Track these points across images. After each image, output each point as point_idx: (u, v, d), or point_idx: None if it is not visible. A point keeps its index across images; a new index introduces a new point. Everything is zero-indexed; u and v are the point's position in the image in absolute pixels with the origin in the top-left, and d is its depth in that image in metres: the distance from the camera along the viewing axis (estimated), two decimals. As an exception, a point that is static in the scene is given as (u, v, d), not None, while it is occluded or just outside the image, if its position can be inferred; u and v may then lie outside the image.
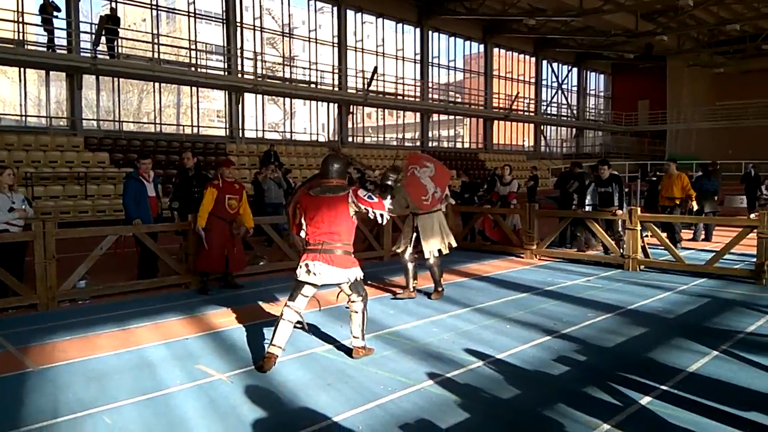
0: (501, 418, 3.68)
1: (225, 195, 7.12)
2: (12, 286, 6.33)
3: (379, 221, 4.70)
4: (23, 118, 17.79)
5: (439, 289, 7.05)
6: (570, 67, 37.33)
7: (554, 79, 36.18)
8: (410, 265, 6.96)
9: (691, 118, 33.84)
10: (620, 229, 9.35)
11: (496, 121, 31.65)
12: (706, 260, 8.66)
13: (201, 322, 5.91)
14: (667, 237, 9.75)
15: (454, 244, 7.13)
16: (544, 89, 35.35)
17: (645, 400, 3.90)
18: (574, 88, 38.35)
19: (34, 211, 7.17)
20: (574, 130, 38.41)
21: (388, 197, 4.97)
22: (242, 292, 7.36)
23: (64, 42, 16.91)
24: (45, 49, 16.60)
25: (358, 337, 4.74)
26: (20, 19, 16.31)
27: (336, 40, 24.18)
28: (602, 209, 9.57)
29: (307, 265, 4.51)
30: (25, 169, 14.17)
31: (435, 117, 29.83)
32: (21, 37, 16.42)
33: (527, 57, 34.02)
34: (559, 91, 36.55)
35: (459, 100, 30.77)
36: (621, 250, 9.14)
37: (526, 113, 33.89)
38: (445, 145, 31.22)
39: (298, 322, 4.64)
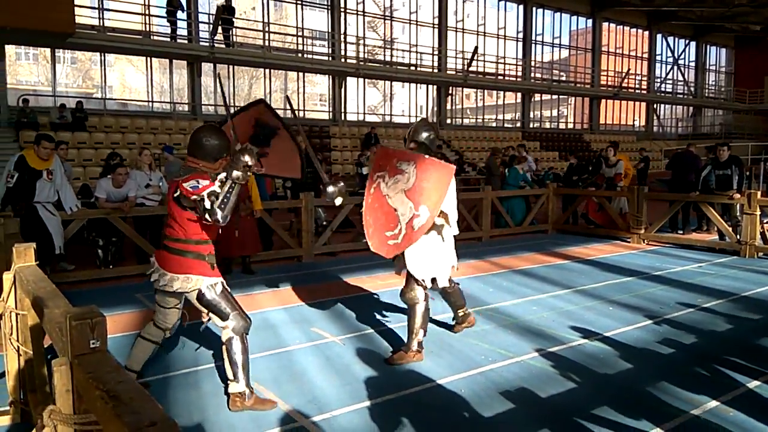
0: (602, 392, 3.78)
1: None
2: (151, 254, 7.13)
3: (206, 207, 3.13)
4: (150, 104, 19.52)
5: (412, 349, 4.21)
6: (687, 41, 34.71)
7: (669, 54, 33.82)
8: (419, 309, 4.27)
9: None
10: (738, 214, 8.84)
11: (603, 100, 30.22)
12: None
13: (314, 291, 6.38)
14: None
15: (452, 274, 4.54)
16: (657, 65, 33.17)
17: (753, 384, 3.83)
18: (692, 64, 35.65)
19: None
20: (691, 108, 35.81)
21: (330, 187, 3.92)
22: (346, 266, 7.78)
23: (185, 32, 18.26)
24: (168, 40, 18.03)
25: (232, 380, 3.44)
26: (147, 12, 17.80)
27: (436, 21, 24.15)
28: (720, 193, 9.08)
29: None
30: (153, 151, 15.56)
31: (537, 97, 29.03)
32: (147, 29, 17.95)
33: (639, 31, 32.05)
34: (675, 67, 34.14)
35: (563, 78, 29.69)
36: (737, 236, 8.65)
37: (637, 91, 32.05)
38: (548, 125, 30.33)
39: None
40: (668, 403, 3.57)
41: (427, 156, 4.08)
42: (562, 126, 30.74)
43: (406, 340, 4.32)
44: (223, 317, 3.41)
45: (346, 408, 3.49)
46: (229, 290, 3.53)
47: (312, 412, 3.43)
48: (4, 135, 14.02)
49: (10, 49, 16.59)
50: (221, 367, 3.93)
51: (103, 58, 18.44)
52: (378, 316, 5.41)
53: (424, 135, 4.27)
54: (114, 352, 4.37)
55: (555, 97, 30.03)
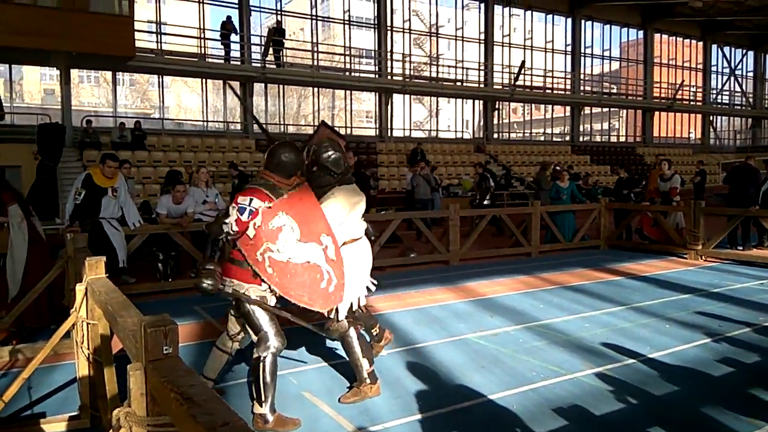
0: (658, 411, 3.69)
1: None
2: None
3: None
4: (204, 123, 20.23)
5: (365, 383, 3.82)
6: (744, 51, 33.49)
7: (726, 64, 32.72)
8: (351, 340, 3.87)
9: None
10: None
11: (657, 113, 29.45)
12: None
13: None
14: None
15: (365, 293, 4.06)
16: (713, 76, 32.14)
17: (824, 407, 3.67)
18: (750, 74, 34.33)
19: (224, 203, 8.26)
20: (749, 120, 34.46)
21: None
22: (394, 281, 7.82)
23: (238, 54, 18.90)
24: (222, 62, 18.70)
25: (256, 400, 3.46)
26: (202, 36, 18.54)
27: (482, 36, 24.17)
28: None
29: None
30: (208, 169, 16.11)
31: (587, 110, 28.54)
32: (202, 52, 18.68)
33: (693, 42, 31.18)
34: (732, 78, 32.99)
35: (614, 90, 29.12)
36: (803, 252, 8.27)
37: (692, 103, 31.10)
38: (598, 139, 29.72)
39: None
40: (726, 425, 3.46)
41: (283, 195, 3.50)
42: (613, 139, 30.07)
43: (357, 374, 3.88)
44: (256, 330, 3.46)
45: (398, 420, 3.54)
46: (278, 308, 3.60)
47: (364, 423, 3.49)
48: (68, 154, 14.79)
49: (73, 73, 17.53)
50: (279, 377, 4.05)
51: (160, 80, 19.26)
52: (426, 331, 5.44)
53: (329, 156, 3.78)
54: (174, 361, 4.55)
55: (606, 110, 29.46)
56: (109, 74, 20.02)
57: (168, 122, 22.20)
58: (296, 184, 3.61)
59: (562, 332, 5.38)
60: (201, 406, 1.51)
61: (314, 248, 3.48)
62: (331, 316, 3.77)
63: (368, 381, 3.81)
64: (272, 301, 3.57)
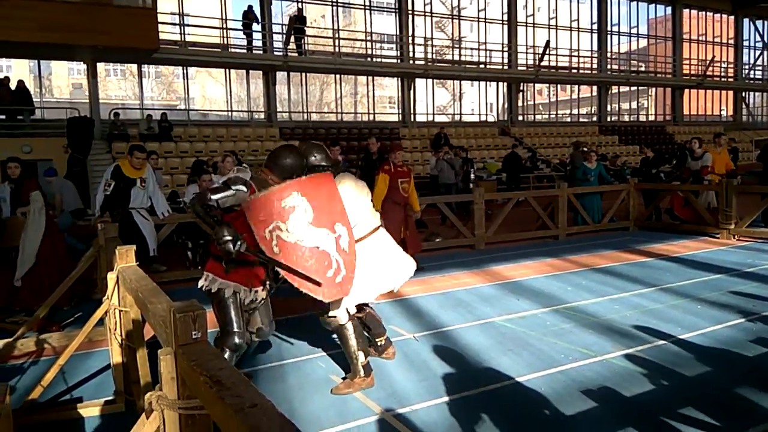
0: (690, 392, 3.63)
1: (398, 179, 7.13)
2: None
3: None
4: (229, 113, 20.40)
5: (358, 375, 3.76)
6: (779, 23, 32.36)
7: (758, 38, 31.65)
8: (347, 331, 3.78)
9: None
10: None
11: (687, 90, 28.69)
12: None
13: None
14: None
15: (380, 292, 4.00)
16: (745, 51, 31.12)
17: None
18: (785, 47, 33.18)
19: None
20: (784, 95, 33.35)
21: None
22: (420, 265, 7.80)
23: (260, 44, 18.96)
24: (245, 51, 18.79)
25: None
26: (225, 26, 18.63)
27: (505, 17, 23.78)
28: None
29: None
30: (233, 158, 16.26)
31: (614, 89, 27.94)
32: (225, 42, 18.78)
33: (724, 16, 30.17)
34: (765, 52, 31.90)
35: (642, 69, 28.44)
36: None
37: (723, 79, 30.20)
38: (627, 118, 29.12)
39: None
40: (761, 405, 3.40)
41: (301, 177, 3.46)
42: (642, 118, 29.43)
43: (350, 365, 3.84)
44: (222, 323, 3.49)
45: (426, 402, 3.55)
46: (245, 303, 3.54)
47: (392, 405, 3.52)
48: (97, 147, 15.08)
49: (100, 67, 17.83)
50: (307, 361, 4.11)
51: (185, 71, 19.45)
52: (453, 314, 5.43)
53: (317, 155, 3.78)
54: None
55: (634, 88, 28.80)
56: (134, 67, 20.30)
57: (194, 113, 22.45)
58: None
59: (590, 314, 5.32)
60: (230, 389, 1.53)
61: (326, 235, 3.32)
62: (332, 307, 3.66)
63: (362, 373, 3.73)
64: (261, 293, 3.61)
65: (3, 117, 15.09)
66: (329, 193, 3.45)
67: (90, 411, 3.42)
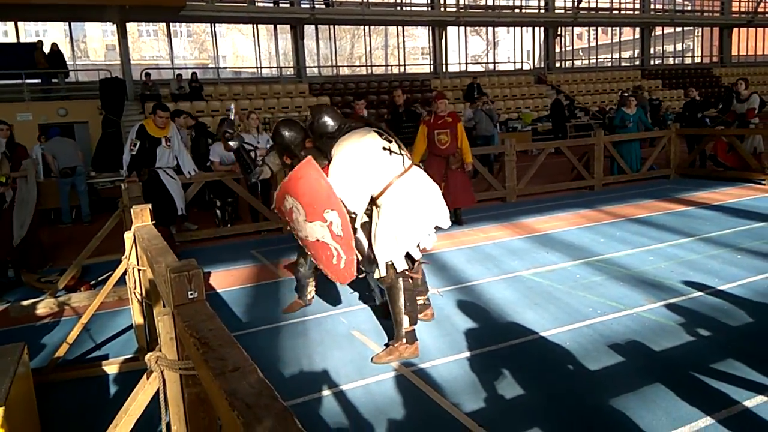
0: (725, 345, 3.47)
1: (434, 130, 6.94)
2: (262, 212, 7.52)
3: None
4: (258, 70, 20.25)
5: (401, 341, 3.53)
6: (844, -50, 29.84)
7: (819, -33, 29.34)
8: (396, 292, 3.58)
9: None
10: None
11: (736, 29, 26.99)
12: None
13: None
14: None
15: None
16: (804, -18, 28.94)
17: None
18: None
19: (274, 149, 8.29)
20: None
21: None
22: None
23: (287, -4, 18.62)
24: (272, 5, 18.47)
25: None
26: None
27: (542, -43, 22.61)
28: None
29: None
30: (263, 115, 16.23)
31: (658, 30, 26.51)
32: (252, -3, 18.52)
33: (781, -56, 28.02)
34: (827, -18, 29.60)
35: (688, 7, 26.82)
36: None
37: (777, 15, 28.29)
38: (671, 61, 27.70)
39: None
40: (805, 359, 3.22)
41: (286, 179, 3.51)
42: (688, 61, 27.95)
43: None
44: None
45: (446, 358, 3.50)
46: None
47: (413, 361, 3.48)
48: (130, 108, 15.23)
49: (132, 27, 17.84)
50: (329, 316, 4.11)
51: (213, 29, 19.30)
52: (479, 269, 5.33)
53: (319, 119, 3.70)
54: (232, 302, 4.70)
55: (679, 29, 27.27)
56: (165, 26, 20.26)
57: (226, 71, 22.38)
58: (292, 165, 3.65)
59: (623, 266, 5.14)
60: (215, 350, 1.48)
61: (320, 227, 3.35)
62: (377, 267, 3.55)
63: (405, 340, 3.49)
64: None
65: (38, 81, 15.33)
66: (311, 183, 3.35)
67: (113, 368, 3.49)
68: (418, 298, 3.84)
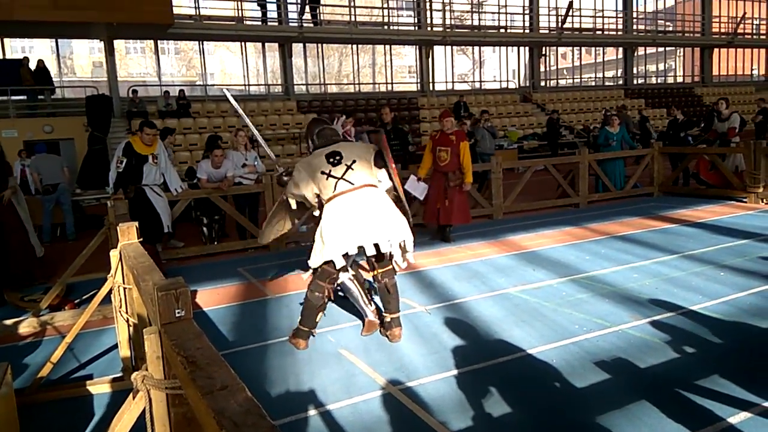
0: (710, 362, 3.51)
1: (437, 147, 7.12)
2: (250, 230, 7.50)
3: None
4: (246, 87, 20.30)
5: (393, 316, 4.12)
6: (818, -26, 30.73)
7: (795, -9, 30.17)
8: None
9: None
10: None
11: (716, 50, 27.62)
12: None
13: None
14: None
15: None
16: (780, 5, 29.71)
17: None
18: (824, 0, 31.57)
19: (264, 167, 8.27)
20: (822, 51, 31.86)
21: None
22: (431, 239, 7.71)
23: (275, 15, 18.72)
24: (260, 24, 18.59)
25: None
26: (239, -2, 18.45)
27: (527, -22, 23.03)
28: None
29: None
30: (246, 132, 16.23)
31: (641, 50, 27.03)
32: (240, 15, 18.59)
33: (758, -31, 28.80)
34: (802, 6, 30.43)
35: (670, 28, 27.39)
36: None
37: (755, 37, 28.98)
38: (654, 80, 28.21)
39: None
40: (787, 376, 3.26)
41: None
42: (670, 81, 28.49)
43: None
44: None
45: (434, 376, 3.50)
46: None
47: (401, 379, 3.47)
48: (117, 125, 15.19)
49: (119, 45, 17.84)
50: (318, 335, 4.08)
51: (201, 46, 19.36)
52: (466, 286, 5.35)
53: (314, 131, 4.53)
54: (219, 321, 4.66)
55: (661, 49, 27.84)
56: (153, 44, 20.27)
57: (214, 89, 22.41)
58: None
59: (608, 284, 5.19)
60: (203, 370, 1.48)
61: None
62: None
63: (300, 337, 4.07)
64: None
65: (24, 97, 15.26)
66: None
67: (99, 388, 3.45)
68: (386, 315, 4.14)
